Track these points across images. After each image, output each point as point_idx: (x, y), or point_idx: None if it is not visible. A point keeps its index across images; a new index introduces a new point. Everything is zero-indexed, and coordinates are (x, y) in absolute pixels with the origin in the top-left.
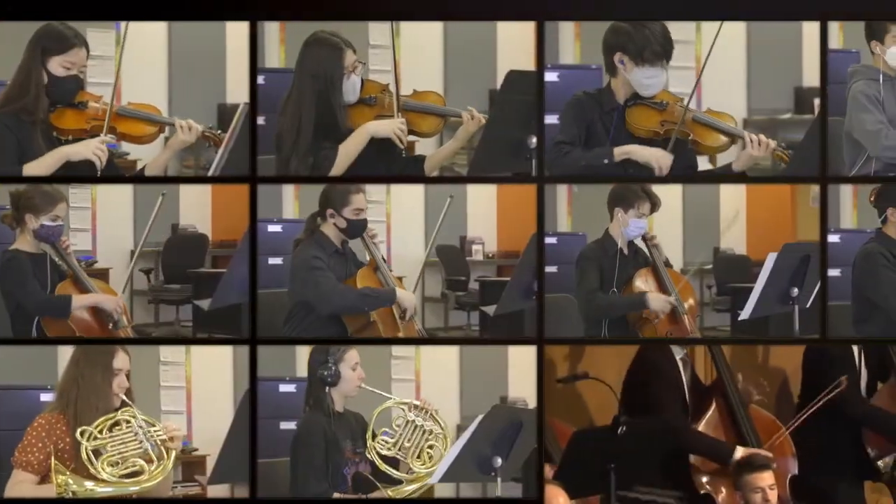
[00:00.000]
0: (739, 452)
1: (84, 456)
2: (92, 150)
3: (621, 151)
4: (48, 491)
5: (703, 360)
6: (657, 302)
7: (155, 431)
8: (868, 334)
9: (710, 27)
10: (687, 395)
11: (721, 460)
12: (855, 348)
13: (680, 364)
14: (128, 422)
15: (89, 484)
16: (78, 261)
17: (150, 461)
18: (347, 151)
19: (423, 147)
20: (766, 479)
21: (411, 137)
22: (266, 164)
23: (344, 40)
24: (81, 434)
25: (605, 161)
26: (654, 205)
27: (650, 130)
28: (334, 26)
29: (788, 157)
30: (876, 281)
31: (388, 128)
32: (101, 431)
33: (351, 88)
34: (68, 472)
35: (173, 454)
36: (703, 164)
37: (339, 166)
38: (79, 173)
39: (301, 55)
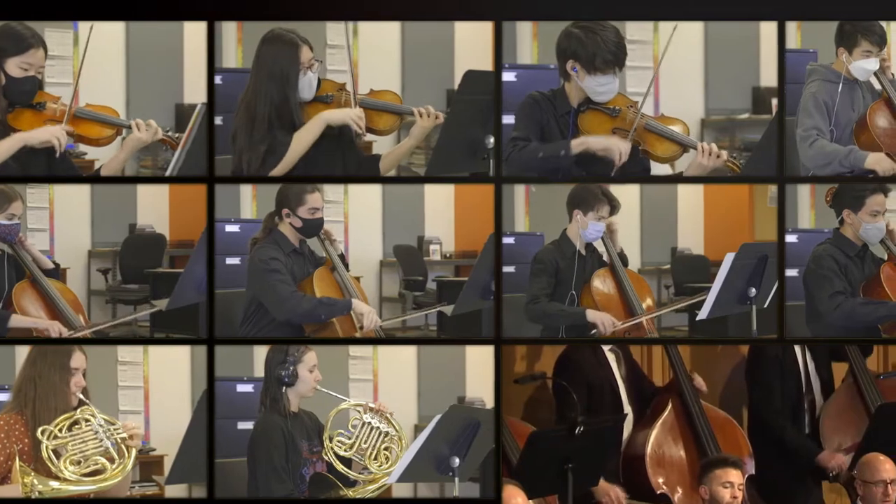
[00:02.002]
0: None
1: (45, 455)
2: (54, 133)
3: (579, 142)
4: (12, 491)
5: (659, 361)
6: (595, 316)
7: (114, 430)
8: (821, 334)
9: (667, 27)
10: (621, 387)
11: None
12: (798, 348)
13: (611, 356)
14: (87, 420)
15: (55, 483)
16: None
17: (111, 459)
18: (302, 139)
19: (380, 146)
20: (735, 476)
21: (369, 136)
22: (224, 164)
23: (301, 37)
24: (42, 433)
25: (562, 152)
26: (614, 207)
27: None
28: (291, 26)
29: (740, 166)
30: (818, 285)
31: (344, 114)
32: (60, 430)
33: (307, 85)
34: (33, 473)
35: (133, 452)
36: (660, 166)
37: (293, 152)
38: (36, 161)
39: (258, 51)
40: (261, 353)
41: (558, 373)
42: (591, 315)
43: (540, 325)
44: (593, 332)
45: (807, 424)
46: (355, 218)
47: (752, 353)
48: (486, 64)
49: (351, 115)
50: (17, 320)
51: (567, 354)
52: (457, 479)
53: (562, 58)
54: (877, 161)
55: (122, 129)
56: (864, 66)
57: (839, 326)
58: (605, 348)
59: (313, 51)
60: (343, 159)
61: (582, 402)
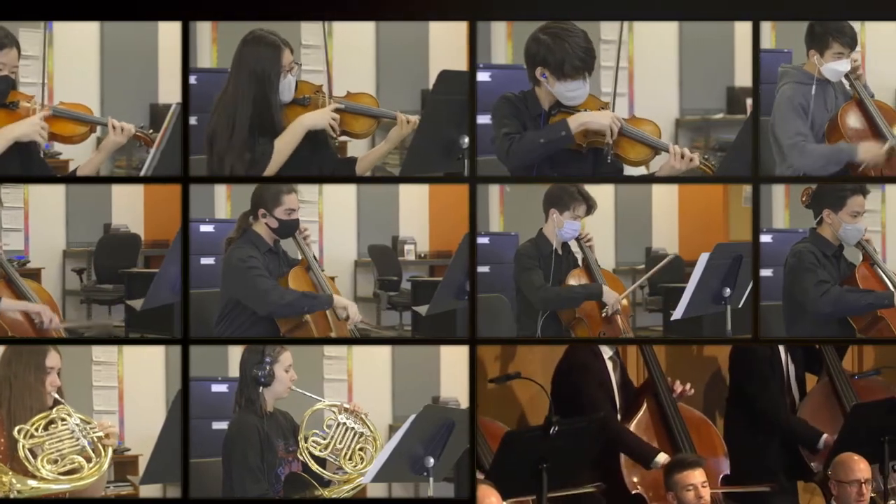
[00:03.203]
0: (662, 458)
1: (22, 454)
2: (37, 130)
3: (577, 122)
4: None
5: (634, 361)
6: (611, 296)
7: (91, 429)
8: (798, 334)
9: (640, 27)
10: (616, 394)
11: (644, 462)
12: (782, 348)
13: (609, 363)
14: (63, 420)
15: (33, 482)
16: (10, 261)
17: (87, 458)
18: (283, 146)
19: (356, 149)
20: (697, 476)
21: (343, 138)
22: (198, 164)
23: (282, 39)
24: (19, 432)
25: (563, 133)
26: (590, 207)
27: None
28: (266, 26)
29: (713, 167)
30: (799, 278)
31: (323, 118)
32: (37, 430)
33: (287, 88)
34: (11, 472)
35: (109, 451)
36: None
37: (275, 161)
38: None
39: (238, 53)
40: (235, 353)
41: (563, 371)
42: (608, 295)
43: (520, 321)
44: (604, 310)
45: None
46: (330, 218)
47: (739, 351)
48: (461, 64)
49: (328, 120)
50: (7, 304)
51: (572, 353)
52: (431, 479)
53: (531, 64)
54: (868, 148)
55: (96, 127)
56: (835, 67)
57: (824, 315)
58: (605, 356)
59: (293, 53)
60: (319, 162)
61: (583, 401)
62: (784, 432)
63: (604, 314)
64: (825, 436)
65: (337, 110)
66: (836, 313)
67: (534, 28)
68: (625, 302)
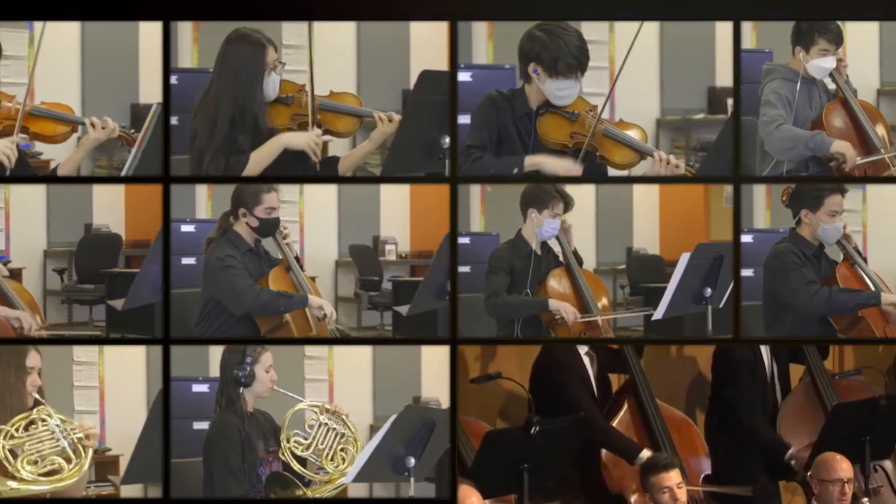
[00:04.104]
0: (647, 454)
1: (2, 455)
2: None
3: (531, 162)
4: None
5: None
6: (558, 305)
7: (71, 429)
8: (778, 334)
9: (623, 27)
10: (595, 389)
11: (628, 459)
12: (764, 348)
13: (586, 359)
14: (43, 420)
15: (13, 483)
16: None
17: (67, 459)
18: (259, 159)
19: (338, 148)
20: (672, 478)
21: (326, 137)
22: (179, 164)
23: (266, 37)
24: None
25: (515, 170)
26: (568, 204)
27: (559, 142)
28: (248, 26)
29: (696, 172)
30: (786, 279)
31: (303, 141)
32: (17, 430)
33: (271, 86)
34: None
35: (90, 452)
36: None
37: (249, 172)
38: None
39: (222, 51)
40: (216, 353)
41: (541, 367)
42: (554, 304)
43: (498, 322)
44: (557, 318)
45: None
46: (311, 218)
47: (720, 351)
48: (442, 64)
49: (309, 143)
50: None
51: (546, 355)
52: (412, 479)
53: (524, 60)
54: (844, 148)
55: (78, 126)
56: (820, 64)
57: (816, 316)
58: (582, 352)
59: (277, 52)
60: (302, 171)
61: (562, 397)
62: (754, 440)
63: (558, 319)
64: (792, 449)
65: (319, 109)
66: (828, 313)
67: (515, 28)
68: (605, 301)
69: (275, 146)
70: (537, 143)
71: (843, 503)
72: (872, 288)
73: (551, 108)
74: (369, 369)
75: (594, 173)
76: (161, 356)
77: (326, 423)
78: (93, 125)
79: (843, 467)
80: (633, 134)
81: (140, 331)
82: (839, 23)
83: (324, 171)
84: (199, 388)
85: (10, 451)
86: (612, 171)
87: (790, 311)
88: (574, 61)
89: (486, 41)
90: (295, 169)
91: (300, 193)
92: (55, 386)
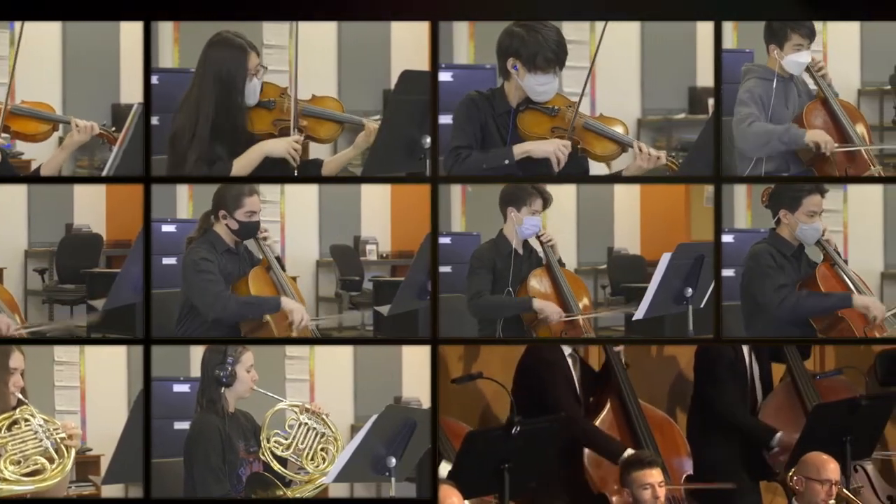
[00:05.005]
0: (630, 454)
1: None
2: None
3: (521, 150)
4: None
5: (596, 360)
6: (542, 304)
7: (54, 430)
8: (758, 333)
9: (602, 27)
10: (578, 390)
11: (612, 458)
12: (745, 348)
13: (569, 360)
14: (26, 420)
15: None
16: None
17: (50, 459)
18: (240, 168)
19: (320, 151)
20: (654, 475)
21: (306, 141)
22: (160, 164)
23: (248, 42)
24: None
25: (506, 161)
26: (546, 200)
27: (540, 137)
28: (228, 26)
29: (678, 165)
30: (759, 282)
31: (283, 147)
32: (0, 430)
33: (252, 91)
34: None
35: (72, 452)
36: (598, 167)
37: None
38: None
39: (204, 54)
40: (197, 353)
41: (524, 368)
42: (538, 303)
43: (480, 322)
44: (541, 318)
45: None
46: (292, 218)
47: (702, 351)
48: (423, 64)
49: (288, 150)
50: None
51: (532, 355)
52: (393, 479)
53: (503, 56)
54: (818, 136)
55: (59, 125)
56: (796, 59)
57: (785, 320)
58: (566, 353)
59: (260, 56)
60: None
61: (545, 397)
62: (739, 431)
63: (540, 318)
64: (779, 434)
65: (302, 115)
66: (797, 319)
67: (496, 28)
68: (586, 301)
69: (255, 154)
70: (517, 140)
71: None
72: (853, 289)
73: (531, 104)
74: (350, 369)
75: (576, 167)
76: (142, 356)
77: (306, 423)
78: (76, 127)
79: (831, 468)
80: (614, 128)
81: (121, 331)
82: (817, 25)
83: (307, 173)
84: (180, 388)
85: None
86: (593, 164)
87: (765, 312)
88: (552, 55)
89: (467, 41)
90: (275, 174)
91: (281, 194)
92: (36, 386)
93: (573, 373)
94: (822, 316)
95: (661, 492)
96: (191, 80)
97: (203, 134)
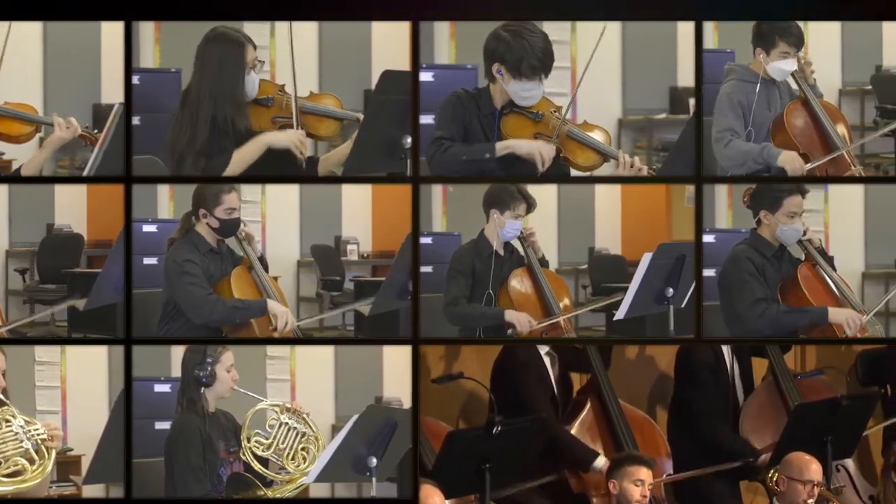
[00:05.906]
0: (601, 462)
1: None
2: None
3: (503, 146)
4: None
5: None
6: (513, 316)
7: (35, 430)
8: (737, 332)
9: (584, 27)
10: (555, 389)
11: (583, 466)
12: (725, 347)
13: (546, 359)
14: (7, 421)
15: None
16: None
17: (30, 460)
18: (241, 158)
19: (318, 148)
20: (647, 475)
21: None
22: (141, 164)
23: (245, 36)
24: None
25: (487, 156)
26: (530, 206)
27: None
28: (210, 26)
29: (656, 172)
30: (738, 291)
31: (287, 139)
32: None
33: (250, 86)
34: None
35: (53, 453)
36: None
37: (231, 171)
38: None
39: (201, 49)
40: (178, 353)
41: (500, 366)
42: (510, 315)
43: (459, 327)
44: (510, 331)
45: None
46: (273, 217)
47: (683, 352)
48: (404, 64)
49: (294, 142)
50: None
51: (506, 355)
52: (374, 479)
53: (488, 59)
54: (789, 160)
55: (41, 126)
56: (781, 66)
57: (763, 334)
58: (542, 352)
59: (256, 50)
60: (284, 164)
61: (521, 396)
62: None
63: (509, 333)
64: (764, 456)
65: (301, 112)
66: (775, 334)
67: (478, 28)
68: (567, 301)
69: (258, 145)
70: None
71: None
72: (835, 290)
73: (515, 108)
74: (331, 369)
75: (556, 170)
76: (123, 356)
77: (287, 423)
78: (59, 124)
79: (813, 469)
80: (596, 135)
81: (102, 331)
82: (800, 24)
83: (305, 171)
84: (160, 388)
85: None
86: (574, 173)
87: (743, 323)
88: (538, 63)
89: (448, 41)
90: (277, 168)
91: (262, 193)
92: (17, 386)
93: (550, 372)
94: (799, 332)
95: (648, 493)
96: (171, 78)
97: (203, 129)
